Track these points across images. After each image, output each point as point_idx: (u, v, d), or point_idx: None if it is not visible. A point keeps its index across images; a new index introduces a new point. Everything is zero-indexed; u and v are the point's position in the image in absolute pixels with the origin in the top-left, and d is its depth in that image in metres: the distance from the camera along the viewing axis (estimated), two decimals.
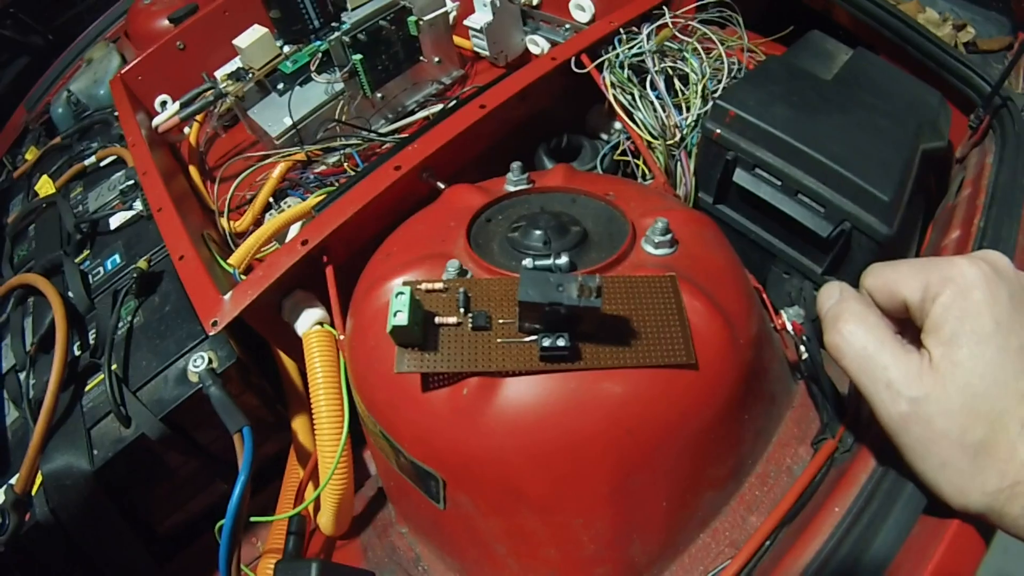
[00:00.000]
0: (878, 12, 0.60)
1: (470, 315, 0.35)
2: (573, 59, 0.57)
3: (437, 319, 0.35)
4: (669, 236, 0.40)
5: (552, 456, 0.34)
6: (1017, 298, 0.29)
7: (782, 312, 0.45)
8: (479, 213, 0.44)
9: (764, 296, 0.47)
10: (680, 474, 0.38)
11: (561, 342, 0.33)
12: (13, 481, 0.51)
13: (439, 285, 0.36)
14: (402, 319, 0.32)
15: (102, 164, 0.76)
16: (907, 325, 0.33)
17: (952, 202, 0.53)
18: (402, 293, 0.33)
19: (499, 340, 0.35)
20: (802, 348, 0.45)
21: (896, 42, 0.60)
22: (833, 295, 0.34)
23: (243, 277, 0.54)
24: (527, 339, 0.34)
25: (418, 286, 0.36)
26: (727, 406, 0.38)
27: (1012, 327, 0.28)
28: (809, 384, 0.47)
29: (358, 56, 0.69)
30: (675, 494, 0.38)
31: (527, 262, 0.39)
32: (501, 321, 0.35)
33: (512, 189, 0.47)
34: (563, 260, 0.39)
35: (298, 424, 0.57)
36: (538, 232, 0.40)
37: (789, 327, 0.45)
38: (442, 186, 0.52)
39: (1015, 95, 0.54)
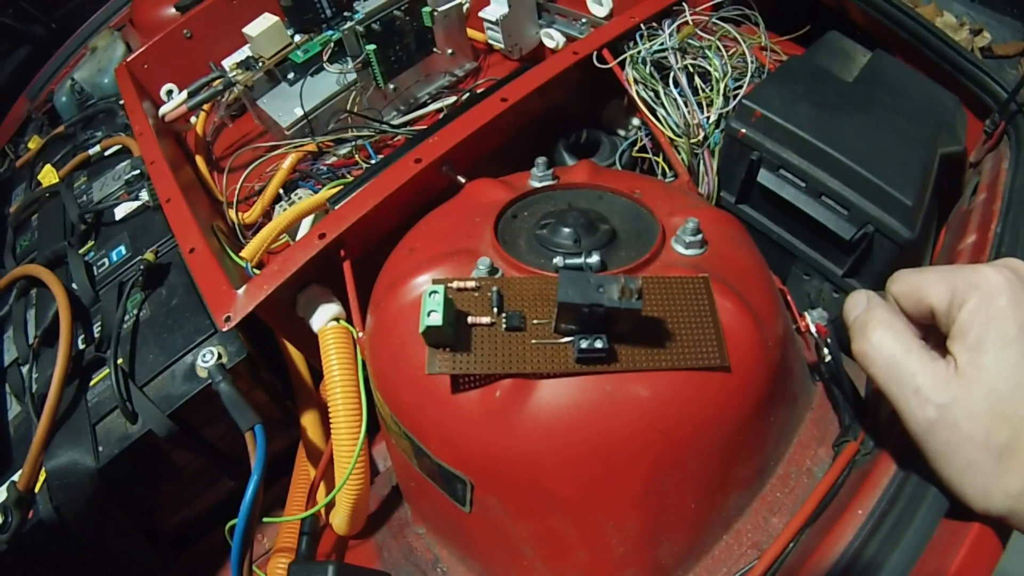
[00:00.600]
0: (896, 14, 0.60)
1: (504, 315, 0.35)
2: (595, 54, 0.56)
3: (470, 319, 0.34)
4: (700, 236, 0.40)
5: (586, 458, 0.34)
6: None
7: (806, 314, 0.45)
8: (505, 209, 0.43)
9: (788, 298, 0.47)
10: (710, 475, 0.38)
11: (599, 344, 0.33)
12: (16, 478, 0.50)
13: (471, 284, 0.35)
14: (436, 319, 0.31)
15: (106, 153, 0.74)
16: (931, 331, 0.33)
17: (966, 206, 0.53)
18: (435, 292, 0.32)
19: (533, 341, 0.34)
20: (825, 350, 0.45)
21: (913, 44, 0.60)
22: (860, 303, 0.35)
23: (256, 271, 0.53)
24: (563, 340, 0.34)
25: (449, 284, 0.35)
26: (756, 407, 0.38)
27: None
28: (828, 386, 0.47)
29: (372, 46, 0.68)
30: (704, 495, 0.38)
31: (558, 260, 0.38)
32: (535, 321, 0.35)
33: (537, 185, 0.46)
34: (594, 259, 0.38)
35: (307, 420, 0.56)
36: (567, 230, 0.40)
37: (813, 329, 0.45)
38: (462, 180, 0.52)
39: None
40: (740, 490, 0.41)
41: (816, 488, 0.40)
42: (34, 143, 0.86)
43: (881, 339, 0.32)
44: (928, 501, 0.34)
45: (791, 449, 0.45)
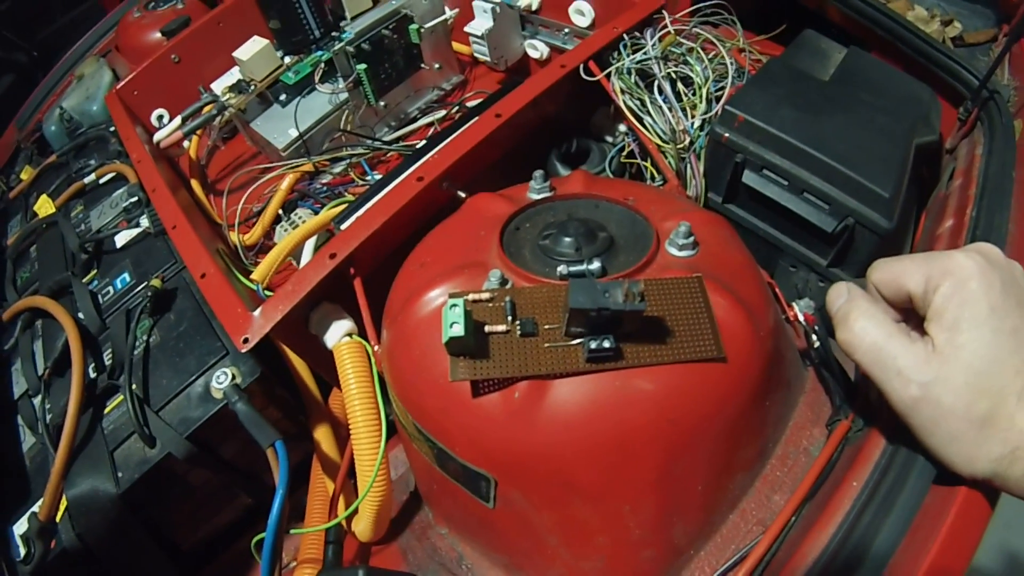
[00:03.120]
0: (869, 11, 0.63)
1: (517, 322, 0.37)
2: (582, 66, 0.59)
3: (487, 328, 0.36)
4: (692, 239, 0.43)
5: (602, 449, 0.37)
6: (1008, 285, 0.32)
7: (794, 304, 0.48)
8: (508, 222, 0.46)
9: (776, 290, 0.50)
10: (716, 458, 0.40)
11: (607, 344, 0.35)
12: (36, 508, 0.51)
13: (485, 295, 0.38)
14: (459, 330, 0.33)
15: (102, 181, 0.75)
16: (911, 314, 0.36)
17: (944, 191, 0.56)
18: (456, 305, 0.34)
19: (546, 345, 0.36)
20: (813, 337, 0.48)
21: (887, 39, 0.63)
22: (842, 294, 0.37)
23: (267, 292, 0.54)
24: (573, 342, 0.36)
25: (466, 297, 0.37)
26: (753, 393, 0.41)
27: (1006, 310, 0.31)
28: (819, 370, 0.50)
29: (362, 66, 0.69)
30: (711, 477, 0.40)
31: (561, 268, 0.41)
32: (547, 327, 0.37)
33: (537, 197, 0.49)
34: (595, 265, 0.40)
35: (320, 434, 0.57)
36: (569, 239, 0.42)
37: (801, 318, 0.48)
38: (463, 195, 0.54)
39: (1001, 87, 0.57)
40: (743, 471, 0.43)
41: (813, 465, 0.43)
42: (26, 173, 0.86)
43: (864, 327, 0.35)
44: (917, 469, 0.36)
45: (788, 431, 0.47)
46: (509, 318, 0.37)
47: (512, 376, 0.36)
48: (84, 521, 0.50)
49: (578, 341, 0.36)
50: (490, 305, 0.38)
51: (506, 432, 0.37)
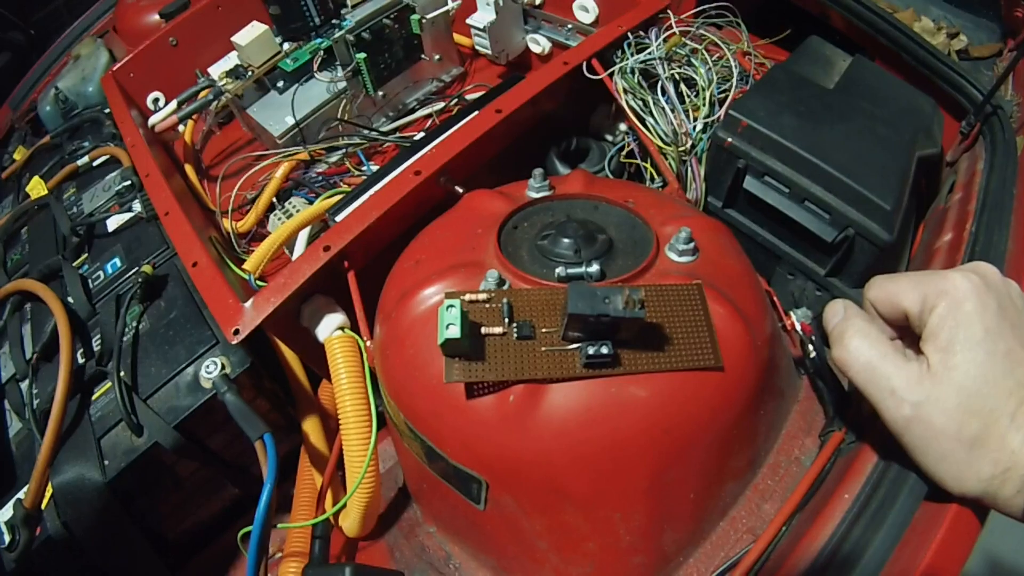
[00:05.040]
0: (876, 20, 0.62)
1: (514, 325, 0.36)
2: (585, 64, 0.58)
3: (483, 329, 0.36)
4: (692, 244, 0.42)
5: (595, 456, 0.36)
6: (1005, 306, 0.33)
7: (791, 313, 0.48)
8: (506, 220, 0.45)
9: (774, 299, 0.50)
10: (708, 467, 0.40)
11: (604, 350, 0.35)
12: (22, 495, 0.50)
13: (482, 296, 0.37)
14: (455, 332, 0.33)
15: (95, 164, 0.74)
16: (906, 331, 0.36)
17: (943, 204, 0.56)
18: (452, 306, 0.33)
19: (543, 349, 0.36)
20: (810, 347, 0.47)
21: (892, 49, 0.62)
22: (838, 312, 0.37)
23: (260, 283, 0.54)
24: (571, 347, 0.36)
25: (462, 297, 0.37)
26: (748, 403, 0.41)
27: (1001, 332, 0.32)
28: (813, 379, 0.50)
29: (362, 55, 0.68)
30: (702, 486, 0.40)
31: (559, 270, 0.40)
32: (544, 330, 0.36)
33: (535, 196, 0.48)
34: (594, 268, 0.40)
35: (308, 426, 0.57)
36: (567, 240, 0.42)
37: (798, 327, 0.48)
38: (460, 190, 0.53)
39: (1004, 103, 0.57)
40: (735, 480, 0.43)
41: (805, 476, 0.43)
42: (19, 154, 0.85)
43: (858, 347, 0.35)
44: (909, 485, 0.37)
45: (780, 440, 0.47)
46: (506, 320, 0.37)
47: (508, 380, 0.36)
48: (70, 509, 0.50)
49: (575, 346, 0.36)
50: (487, 306, 0.37)
51: (499, 436, 0.37)
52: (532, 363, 0.36)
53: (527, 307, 0.37)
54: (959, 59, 0.65)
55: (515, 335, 0.36)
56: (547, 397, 0.36)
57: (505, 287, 0.39)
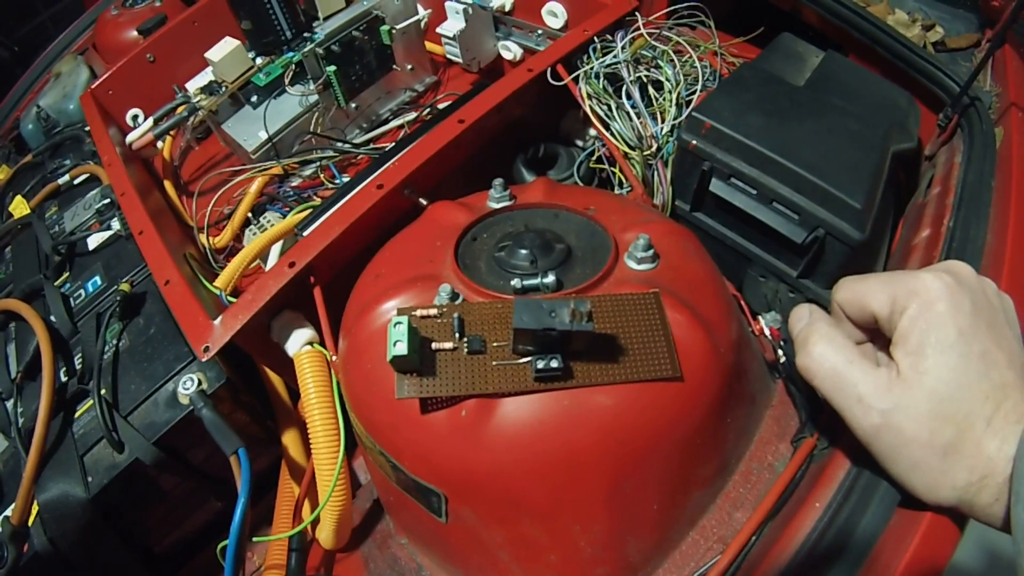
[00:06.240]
0: (848, 15, 0.61)
1: (465, 339, 0.36)
2: (549, 70, 0.58)
3: (434, 345, 0.36)
4: (651, 252, 0.42)
5: (550, 468, 0.36)
6: (979, 306, 0.31)
7: (760, 318, 0.47)
8: (465, 232, 0.45)
9: (742, 303, 0.49)
10: (669, 477, 0.40)
11: (554, 363, 0.34)
12: (8, 512, 0.51)
13: (433, 311, 0.37)
14: (402, 348, 0.33)
15: (76, 182, 0.74)
16: (877, 334, 0.35)
17: (922, 199, 0.55)
18: (400, 323, 0.33)
19: (494, 363, 0.36)
20: (779, 351, 0.47)
21: (866, 44, 0.61)
22: (803, 317, 0.36)
23: (231, 299, 0.54)
24: (521, 361, 0.36)
25: (413, 313, 0.37)
26: (711, 411, 0.40)
27: (975, 334, 0.30)
28: (787, 384, 0.49)
29: (332, 67, 0.68)
30: (665, 496, 0.40)
31: (515, 282, 0.40)
32: (495, 344, 0.36)
33: (495, 206, 0.48)
34: (550, 279, 0.40)
35: (288, 439, 0.58)
36: (524, 251, 0.41)
37: (767, 332, 0.47)
38: (424, 202, 0.53)
39: (983, 93, 0.56)
40: (701, 489, 0.43)
41: (776, 483, 0.42)
42: (2, 172, 0.86)
43: (823, 353, 0.34)
44: (881, 492, 0.36)
45: (753, 446, 0.47)
46: (457, 335, 0.37)
47: (459, 394, 0.36)
48: (55, 526, 0.51)
49: (526, 360, 0.36)
50: (439, 321, 0.37)
51: (454, 449, 0.37)
52: (483, 377, 0.35)
53: (479, 321, 0.37)
54: (935, 51, 0.64)
55: (466, 350, 0.36)
56: (499, 411, 0.36)
57: (458, 301, 0.39)
